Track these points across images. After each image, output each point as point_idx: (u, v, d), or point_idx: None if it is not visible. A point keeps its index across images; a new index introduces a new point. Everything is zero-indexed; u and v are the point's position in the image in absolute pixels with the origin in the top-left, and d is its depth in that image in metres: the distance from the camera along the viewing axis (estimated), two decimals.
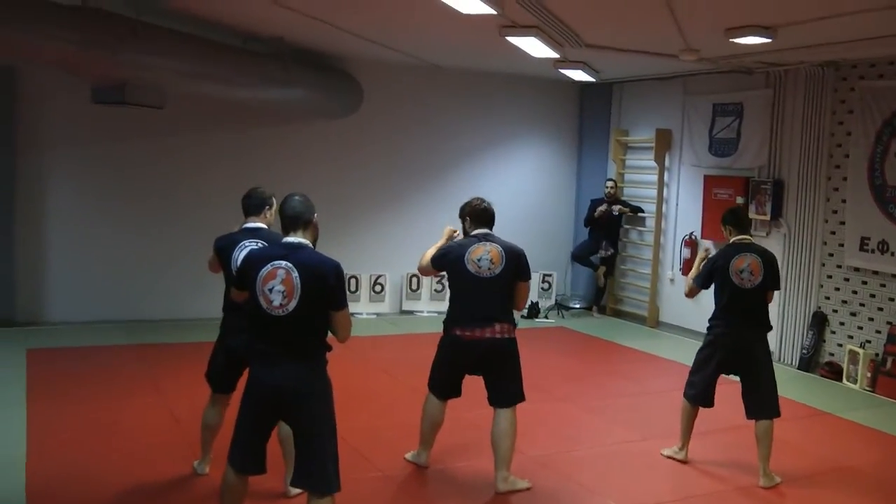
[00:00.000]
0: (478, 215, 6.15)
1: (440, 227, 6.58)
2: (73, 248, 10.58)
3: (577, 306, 13.54)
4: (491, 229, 6.16)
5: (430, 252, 6.22)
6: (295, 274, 4.35)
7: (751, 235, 6.94)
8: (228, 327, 5.73)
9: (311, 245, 4.56)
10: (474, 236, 6.08)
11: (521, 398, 6.09)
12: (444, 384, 6.17)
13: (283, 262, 4.39)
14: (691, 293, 6.85)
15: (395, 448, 6.65)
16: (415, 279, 12.55)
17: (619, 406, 8.37)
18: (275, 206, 5.78)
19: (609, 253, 13.08)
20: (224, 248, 5.67)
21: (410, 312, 12.51)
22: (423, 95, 12.78)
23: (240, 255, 5.42)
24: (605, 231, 13.03)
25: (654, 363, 10.37)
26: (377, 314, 12.19)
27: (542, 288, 13.52)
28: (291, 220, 4.55)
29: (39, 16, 7.37)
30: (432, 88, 12.82)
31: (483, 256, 5.92)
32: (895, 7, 6.81)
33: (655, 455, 6.89)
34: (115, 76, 8.41)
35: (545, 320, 12.79)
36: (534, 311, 12.89)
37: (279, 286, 4.34)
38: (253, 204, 5.84)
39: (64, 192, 10.61)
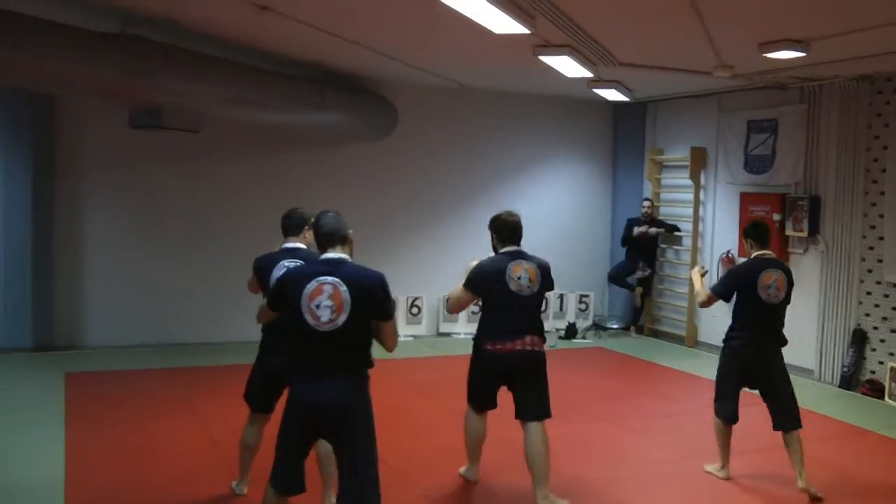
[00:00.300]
0: (508, 229, 6.20)
1: (476, 248, 6.61)
2: (110, 273, 10.72)
3: (615, 327, 13.48)
4: (519, 245, 6.22)
5: (457, 289, 6.21)
6: (343, 288, 4.39)
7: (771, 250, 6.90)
8: (267, 347, 5.76)
9: (350, 259, 4.59)
10: (506, 254, 6.13)
11: (549, 414, 6.10)
12: (481, 398, 6.28)
13: (329, 278, 4.41)
14: (709, 302, 6.78)
15: (433, 468, 6.68)
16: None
17: (658, 426, 8.30)
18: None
19: (647, 273, 13.02)
20: (263, 268, 5.71)
21: (447, 335, 12.51)
22: (457, 117, 12.84)
23: (278, 273, 5.43)
24: (641, 251, 12.98)
25: (692, 383, 10.27)
26: (414, 336, 12.21)
27: (580, 308, 13.48)
28: (329, 237, 4.57)
29: (79, 44, 7.49)
30: (466, 110, 12.87)
31: (522, 275, 6.00)
32: None
33: (696, 474, 6.83)
34: (152, 101, 8.52)
35: (583, 341, 12.75)
36: (572, 332, 12.87)
37: (327, 301, 4.36)
38: (292, 224, 5.91)
39: (101, 218, 10.77)
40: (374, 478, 4.48)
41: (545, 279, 6.12)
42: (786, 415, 6.49)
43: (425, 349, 11.59)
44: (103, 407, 8.16)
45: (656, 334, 13.38)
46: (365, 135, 11.97)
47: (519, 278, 5.99)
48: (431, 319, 12.58)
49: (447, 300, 6.43)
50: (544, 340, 6.14)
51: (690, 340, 12.51)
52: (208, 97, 9.02)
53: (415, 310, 12.30)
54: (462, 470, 6.55)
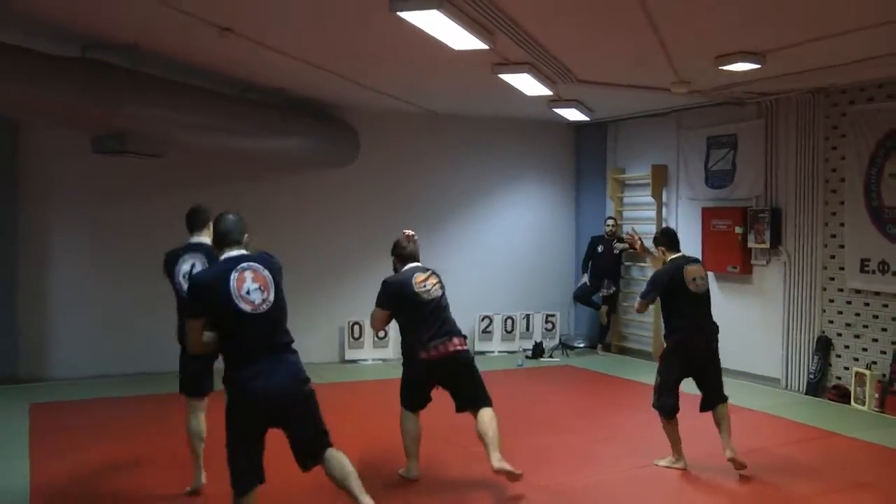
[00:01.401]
0: (405, 254, 6.87)
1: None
2: (74, 303, 10.62)
3: (582, 345, 13.53)
4: (417, 261, 6.87)
5: (375, 308, 6.80)
6: (260, 268, 4.72)
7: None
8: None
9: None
10: (410, 269, 6.74)
11: (491, 402, 6.56)
12: (418, 400, 6.68)
13: (245, 264, 4.71)
14: (643, 307, 7.34)
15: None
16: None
17: (626, 436, 8.34)
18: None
19: (611, 291, 13.11)
20: (166, 261, 6.23)
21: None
22: (419, 142, 12.91)
23: (181, 267, 6.06)
24: (606, 270, 13.07)
25: None
26: (382, 360, 12.18)
27: (546, 328, 13.53)
28: (224, 236, 4.89)
29: (38, 68, 7.44)
30: (429, 135, 12.95)
31: (427, 283, 6.64)
32: (882, 26, 6.93)
33: (665, 475, 6.91)
34: (115, 126, 8.48)
35: (550, 360, 12.78)
36: (539, 351, 12.90)
37: (253, 285, 4.65)
38: (198, 220, 6.28)
39: (65, 246, 10.71)
40: (325, 427, 4.88)
41: (441, 282, 6.76)
42: (716, 393, 6.99)
43: (393, 371, 11.46)
44: (68, 435, 8.06)
45: (623, 351, 13.45)
46: (327, 160, 12.00)
47: (425, 285, 6.60)
48: (398, 343, 12.48)
49: (375, 328, 7.19)
50: (465, 338, 6.69)
51: (657, 355, 12.52)
52: (171, 122, 9.00)
53: (382, 333, 12.26)
54: (401, 471, 6.75)
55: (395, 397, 7.61)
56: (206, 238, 6.13)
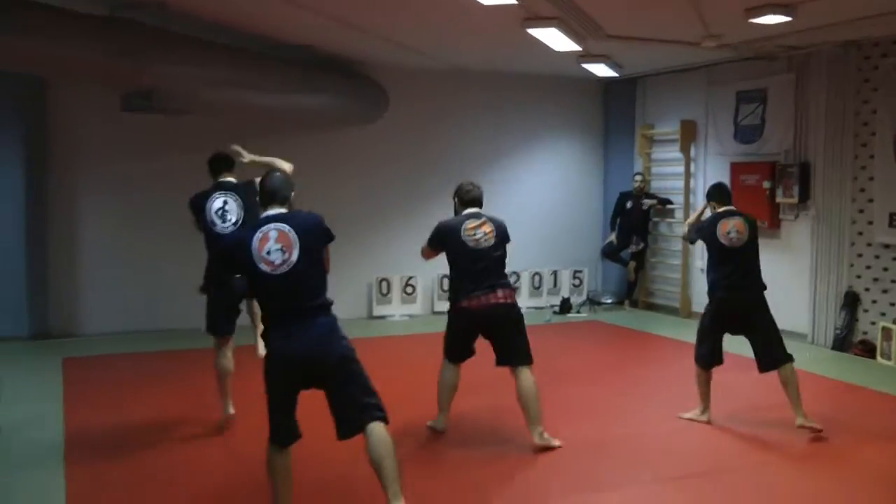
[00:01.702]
0: (467, 199, 6.71)
1: None
2: (105, 260, 10.76)
3: (610, 301, 13.57)
4: (479, 208, 6.71)
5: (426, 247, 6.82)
6: (287, 228, 4.61)
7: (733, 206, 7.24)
8: (213, 278, 6.53)
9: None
10: (464, 215, 6.61)
11: (532, 359, 6.51)
12: (460, 351, 6.66)
13: (272, 225, 4.63)
14: (687, 239, 7.54)
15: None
16: (446, 280, 12.56)
17: (650, 389, 8.43)
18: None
19: (640, 247, 13.12)
20: (195, 202, 6.56)
21: (442, 313, 12.49)
22: (448, 98, 12.90)
23: (212, 204, 6.40)
24: (634, 226, 13.07)
25: (685, 349, 10.13)
26: (410, 315, 12.28)
27: (574, 284, 13.57)
28: (271, 195, 4.81)
29: (69, 27, 7.55)
30: (457, 91, 12.93)
31: (478, 231, 6.48)
32: None
33: (687, 431, 6.97)
34: (143, 84, 8.56)
35: (577, 315, 12.84)
36: (566, 307, 12.95)
37: (275, 245, 4.57)
38: (224, 161, 6.74)
39: (95, 205, 10.83)
40: (376, 399, 4.69)
41: (502, 234, 6.55)
42: (773, 353, 6.80)
43: (421, 327, 11.63)
44: (101, 388, 8.25)
45: (651, 307, 13.47)
46: (356, 117, 12.03)
47: (475, 234, 6.46)
48: (426, 299, 12.65)
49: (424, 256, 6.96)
50: (514, 290, 6.61)
51: (685, 311, 12.60)
52: (198, 79, 9.08)
53: (409, 289, 12.35)
54: (430, 423, 6.80)
55: (423, 352, 7.74)
56: (230, 177, 6.56)
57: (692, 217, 7.52)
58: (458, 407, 6.85)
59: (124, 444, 6.52)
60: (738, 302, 6.88)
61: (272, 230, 4.60)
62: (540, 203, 13.18)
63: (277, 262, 4.55)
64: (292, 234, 4.59)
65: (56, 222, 10.62)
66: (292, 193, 4.90)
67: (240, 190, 6.54)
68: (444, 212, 12.28)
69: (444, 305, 12.22)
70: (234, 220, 6.43)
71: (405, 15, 8.96)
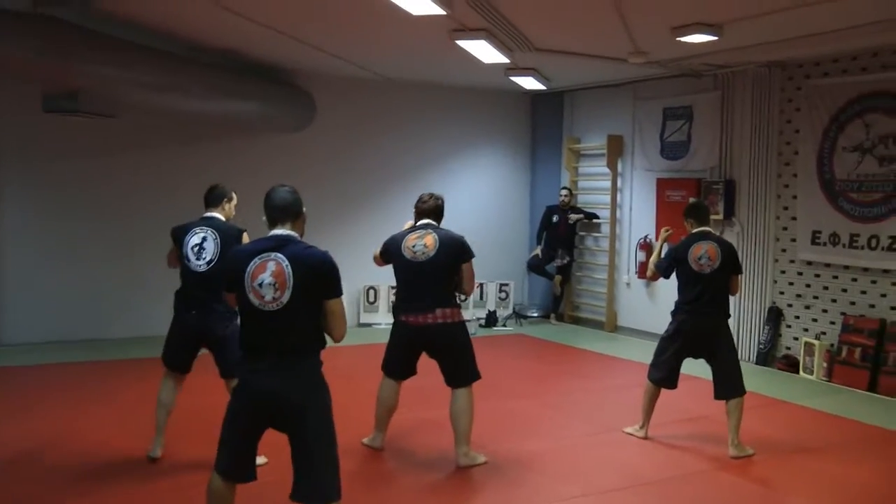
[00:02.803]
0: (418, 210, 6.54)
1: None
2: (27, 267, 10.40)
3: (535, 315, 13.59)
4: (438, 222, 6.48)
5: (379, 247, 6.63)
6: (286, 264, 4.16)
7: (710, 227, 7.13)
8: (178, 308, 6.19)
9: (298, 237, 4.35)
10: (414, 226, 6.46)
11: (475, 377, 6.39)
12: (397, 366, 6.49)
13: (273, 255, 4.19)
14: (652, 277, 7.20)
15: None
16: (372, 291, 12.55)
17: (578, 402, 8.43)
18: (234, 201, 6.41)
19: (565, 261, 13.16)
20: (177, 232, 6.21)
21: (368, 325, 12.47)
22: (376, 109, 12.81)
23: (190, 239, 6.08)
24: (560, 239, 13.12)
25: (612, 363, 10.43)
26: None
27: (500, 297, 13.56)
28: (280, 212, 4.34)
29: None
30: (385, 102, 12.85)
31: (417, 243, 6.26)
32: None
33: (617, 445, 6.95)
34: (68, 84, 8.34)
35: (503, 328, 12.83)
36: (491, 320, 12.94)
37: (269, 279, 4.14)
38: (213, 195, 6.33)
39: (17, 209, 10.45)
40: (334, 467, 4.26)
41: (447, 247, 6.23)
42: (728, 383, 6.73)
43: (346, 339, 11.42)
44: (18, 401, 7.91)
45: (577, 321, 13.52)
46: (283, 124, 11.86)
47: (414, 246, 6.26)
48: (352, 310, 12.46)
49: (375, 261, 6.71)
50: (458, 307, 6.31)
51: (610, 325, 12.67)
52: (125, 82, 8.84)
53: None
54: (366, 440, 6.66)
55: (343, 362, 7.58)
56: (217, 213, 6.25)
57: (654, 255, 7.26)
58: (400, 419, 6.79)
59: (51, 463, 6.27)
60: (698, 327, 6.76)
61: (271, 261, 4.17)
62: (466, 215, 13.13)
63: (267, 298, 4.14)
64: (288, 271, 4.14)
65: None
66: (303, 208, 4.44)
67: (221, 228, 6.17)
68: (368, 222, 12.40)
69: (370, 317, 12.53)
70: (208, 258, 6.06)
71: (334, 24, 8.87)
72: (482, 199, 13.80)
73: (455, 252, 6.26)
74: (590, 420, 7.68)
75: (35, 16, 7.77)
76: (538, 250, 13.28)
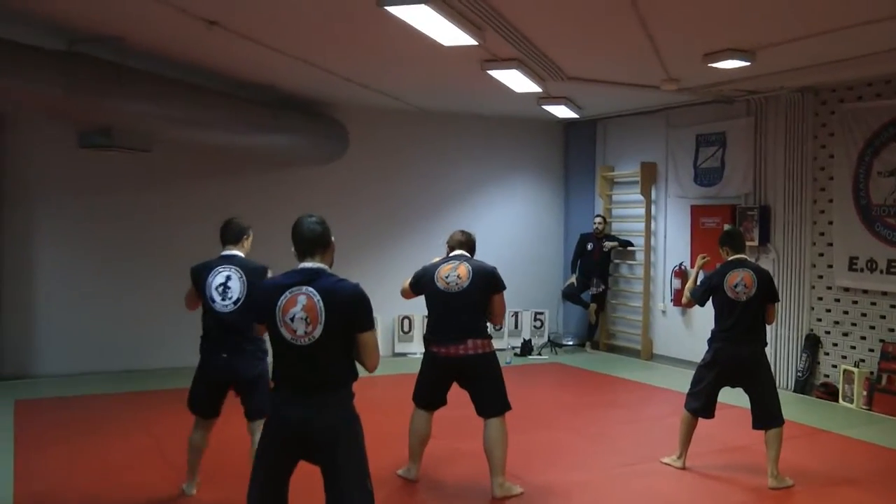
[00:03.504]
0: (450, 243, 6.62)
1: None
2: (60, 300, 10.51)
3: (570, 343, 13.53)
4: (471, 255, 6.56)
5: (408, 279, 6.63)
6: (317, 298, 4.10)
7: (746, 255, 7.08)
8: (207, 353, 6.01)
9: (328, 269, 4.30)
10: (447, 258, 6.52)
11: (506, 407, 6.34)
12: (427, 396, 6.49)
13: (304, 288, 4.13)
14: (688, 304, 7.16)
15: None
16: (406, 321, 12.55)
17: (615, 433, 8.34)
18: (251, 237, 6.23)
19: (600, 289, 13.11)
20: (198, 272, 5.97)
21: (403, 354, 12.46)
22: (409, 140, 12.88)
23: (213, 279, 5.86)
24: (595, 268, 13.07)
25: (649, 392, 10.34)
26: None
27: (535, 326, 13.52)
28: (309, 244, 4.28)
29: (25, 61, 7.39)
30: (418, 132, 12.92)
31: (451, 273, 6.29)
32: (870, 24, 6.92)
33: (653, 476, 6.88)
34: (101, 120, 8.43)
35: (538, 357, 12.78)
36: (527, 349, 12.90)
37: (301, 313, 4.09)
38: (231, 232, 6.10)
39: (50, 243, 10.59)
40: (366, 501, 4.20)
41: (479, 277, 6.25)
42: (765, 413, 6.65)
43: (381, 369, 11.28)
44: (54, 431, 7.99)
45: (612, 349, 13.44)
46: (316, 157, 11.94)
47: (447, 277, 6.28)
48: (387, 339, 12.50)
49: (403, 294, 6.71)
50: (489, 338, 6.32)
51: (646, 354, 12.58)
52: (159, 117, 8.94)
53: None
54: (401, 471, 6.65)
55: (377, 393, 7.56)
56: (237, 251, 6.06)
57: (689, 282, 7.22)
58: (434, 450, 6.76)
59: (78, 495, 6.30)
60: (735, 355, 6.67)
61: (302, 295, 4.11)
62: (501, 244, 13.11)
63: (299, 332, 4.09)
64: (320, 306, 4.09)
65: (10, 260, 10.39)
66: (332, 238, 4.38)
67: (248, 269, 5.98)
68: (402, 251, 12.41)
69: (405, 347, 12.52)
70: (235, 297, 5.86)
71: (367, 56, 8.93)
72: (516, 228, 13.80)
73: (488, 283, 6.28)
74: (626, 451, 7.61)
75: (68, 54, 7.88)
76: (573, 278, 13.25)
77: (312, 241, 4.29)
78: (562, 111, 11.90)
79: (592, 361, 12.51)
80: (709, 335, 6.91)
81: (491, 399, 6.27)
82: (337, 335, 4.13)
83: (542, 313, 13.63)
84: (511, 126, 13.53)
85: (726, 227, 10.69)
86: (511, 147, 13.76)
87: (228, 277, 5.89)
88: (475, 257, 6.52)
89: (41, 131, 10.13)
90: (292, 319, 4.10)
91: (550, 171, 14.20)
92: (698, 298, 6.97)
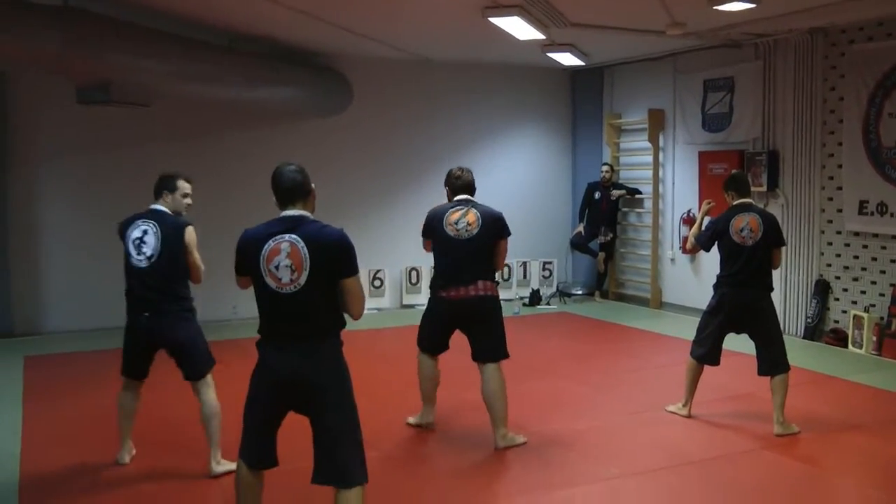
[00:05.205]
0: (456, 185, 6.51)
1: None
2: (66, 257, 10.53)
3: (580, 293, 13.45)
4: (472, 195, 6.49)
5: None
6: (301, 245, 4.08)
7: (752, 199, 6.96)
8: (128, 311, 5.76)
9: (310, 216, 4.26)
10: (453, 202, 6.44)
11: (504, 355, 6.35)
12: (432, 341, 6.56)
13: (287, 236, 4.11)
14: (692, 250, 7.08)
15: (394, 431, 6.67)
16: (414, 273, 12.51)
17: (622, 381, 8.31)
18: (179, 190, 5.96)
19: (608, 238, 13.03)
20: (120, 226, 5.81)
21: (411, 306, 12.42)
22: (413, 90, 12.76)
23: (132, 232, 5.66)
24: (603, 216, 12.98)
25: (657, 341, 10.30)
26: (378, 309, 12.12)
27: (543, 276, 13.47)
28: (289, 192, 4.24)
29: (21, 18, 7.31)
30: (422, 82, 12.79)
31: (461, 220, 6.27)
32: None
33: (659, 424, 6.86)
34: (100, 76, 8.35)
35: (547, 307, 12.73)
36: (535, 299, 12.85)
37: (286, 261, 4.07)
38: (157, 185, 5.95)
39: (56, 200, 10.61)
40: (359, 449, 4.22)
41: (488, 224, 6.26)
42: (770, 359, 6.61)
43: (389, 320, 11.47)
44: (62, 386, 8.09)
45: (621, 298, 13.39)
46: (320, 109, 11.85)
47: (456, 223, 6.27)
48: (395, 292, 12.52)
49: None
50: (496, 284, 6.36)
51: (655, 302, 12.52)
52: (157, 72, 8.85)
53: (377, 282, 12.22)
54: (413, 419, 6.71)
55: (391, 346, 7.58)
56: (161, 205, 5.82)
57: (694, 227, 7.17)
58: (438, 400, 6.76)
59: (82, 445, 6.37)
60: (740, 299, 6.61)
61: (285, 242, 4.09)
62: (508, 194, 13.01)
63: (284, 280, 4.07)
64: (304, 252, 4.07)
65: (16, 218, 10.39)
66: (313, 186, 4.34)
67: (165, 224, 5.72)
68: (409, 203, 12.33)
69: (413, 298, 12.39)
70: (149, 253, 5.61)
71: (367, 6, 8.79)
72: (524, 178, 13.70)
73: (496, 229, 6.30)
74: (632, 399, 7.58)
75: (64, 9, 7.78)
76: (581, 228, 13.16)
77: (293, 189, 4.25)
78: (567, 59, 11.75)
79: (601, 310, 12.46)
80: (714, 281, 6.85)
81: (491, 344, 6.28)
82: (322, 282, 4.11)
83: (550, 263, 13.58)
84: (517, 75, 13.38)
85: (733, 172, 10.62)
86: (517, 96, 13.61)
87: (145, 232, 5.66)
88: (486, 202, 6.49)
89: (41, 89, 10.08)
90: (277, 268, 4.08)
91: (557, 119, 14.06)
92: (703, 244, 6.89)
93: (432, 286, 6.46)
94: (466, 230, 6.23)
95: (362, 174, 12.28)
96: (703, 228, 7.03)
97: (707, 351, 6.78)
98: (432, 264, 6.54)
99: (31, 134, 10.40)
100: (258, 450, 4.28)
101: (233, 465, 5.08)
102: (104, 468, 5.88)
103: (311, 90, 11.44)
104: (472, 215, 6.27)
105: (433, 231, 6.37)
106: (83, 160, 10.63)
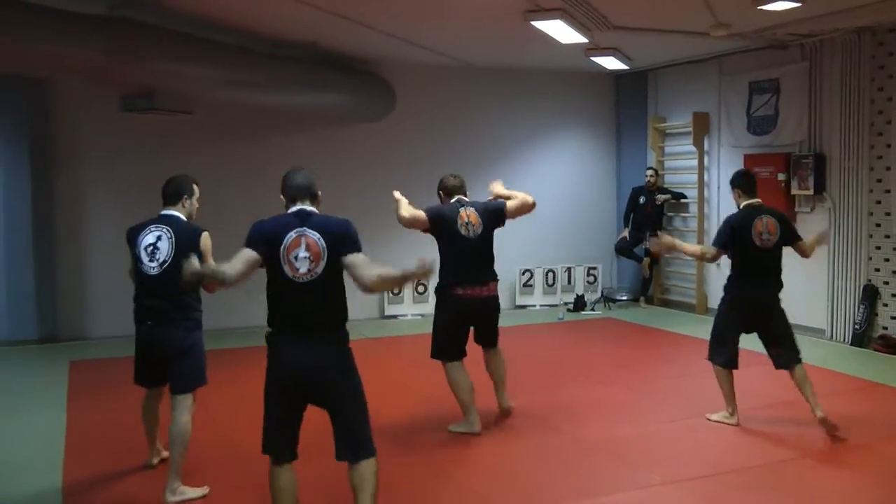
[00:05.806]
0: (451, 187, 6.91)
1: None
2: (112, 262, 10.50)
3: (625, 298, 13.35)
4: (465, 196, 6.90)
5: (410, 209, 6.66)
6: (317, 237, 4.35)
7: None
8: (135, 320, 5.60)
9: (316, 210, 4.56)
10: (455, 203, 6.77)
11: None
12: (458, 346, 6.70)
13: (304, 230, 4.37)
14: (716, 256, 6.98)
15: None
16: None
17: (667, 387, 8.23)
18: (195, 195, 5.82)
19: None
20: (130, 232, 5.60)
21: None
22: (456, 95, 12.75)
23: (144, 238, 5.47)
24: (647, 221, 12.86)
25: (702, 347, 10.00)
26: (422, 315, 12.10)
27: (588, 281, 13.38)
28: (303, 189, 4.55)
29: (66, 27, 7.44)
30: (465, 87, 12.77)
31: (467, 220, 6.62)
32: None
33: (702, 431, 6.77)
34: (143, 84, 8.45)
35: (592, 313, 12.65)
36: (580, 305, 12.77)
37: (304, 253, 4.32)
38: (168, 193, 5.73)
39: (101, 205, 10.75)
40: (368, 428, 4.47)
41: (488, 218, 6.72)
42: (788, 352, 6.64)
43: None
44: (106, 390, 8.14)
45: (667, 304, 13.28)
46: (362, 115, 11.89)
47: (467, 223, 6.60)
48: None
49: (403, 216, 6.64)
50: (497, 281, 6.82)
51: (701, 308, 12.38)
52: (200, 79, 8.97)
53: (421, 288, 12.20)
54: (458, 427, 6.71)
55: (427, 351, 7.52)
56: (175, 211, 5.64)
57: (693, 248, 7.47)
58: (455, 407, 6.78)
59: (125, 451, 6.36)
60: (757, 298, 6.69)
61: (304, 236, 4.34)
62: (552, 199, 12.95)
63: (303, 270, 4.30)
64: (321, 244, 4.33)
65: (63, 224, 10.58)
66: (319, 192, 4.64)
67: (180, 230, 5.54)
68: None
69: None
70: (161, 259, 5.42)
71: (408, 10, 8.79)
72: (567, 183, 13.63)
73: (494, 220, 6.77)
74: (674, 405, 7.50)
75: (107, 18, 7.88)
76: (626, 233, 13.06)
77: (306, 186, 4.57)
78: (611, 62, 11.67)
79: (646, 316, 12.35)
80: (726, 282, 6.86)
81: (496, 332, 6.92)
82: (336, 269, 4.37)
83: (595, 268, 13.48)
84: (560, 79, 13.31)
85: (780, 176, 10.51)
86: (561, 101, 13.55)
87: (159, 238, 5.47)
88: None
89: (85, 96, 10.22)
90: (296, 258, 4.31)
91: (601, 124, 13.97)
92: (723, 244, 6.77)
93: (442, 286, 6.61)
94: (473, 230, 6.60)
95: (403, 179, 12.10)
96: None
97: (731, 355, 6.79)
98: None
99: (76, 139, 10.56)
100: (280, 445, 4.43)
101: (194, 493, 5.34)
102: (138, 472, 5.95)
103: (354, 95, 11.48)
104: (474, 215, 6.67)
105: (444, 229, 6.61)
106: (127, 165, 10.75)
